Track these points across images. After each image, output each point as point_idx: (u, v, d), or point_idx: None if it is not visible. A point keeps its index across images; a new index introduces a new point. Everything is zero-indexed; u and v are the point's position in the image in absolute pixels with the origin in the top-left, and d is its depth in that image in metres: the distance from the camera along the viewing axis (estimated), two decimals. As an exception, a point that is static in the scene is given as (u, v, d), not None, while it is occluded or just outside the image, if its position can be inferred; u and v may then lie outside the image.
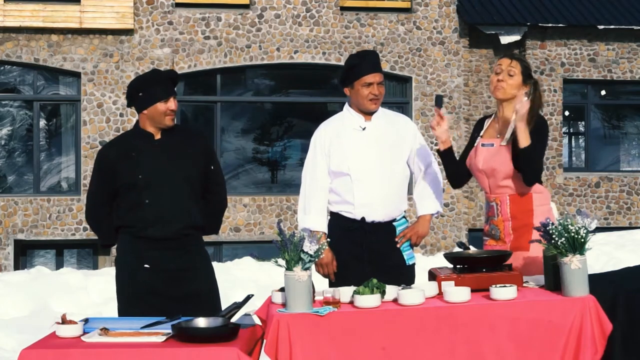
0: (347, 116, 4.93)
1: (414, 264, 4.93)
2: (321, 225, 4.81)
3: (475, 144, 4.82)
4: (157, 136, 4.67)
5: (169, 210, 4.59)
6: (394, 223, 4.88)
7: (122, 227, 4.68)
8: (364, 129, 4.87)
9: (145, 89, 4.61)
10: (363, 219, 4.82)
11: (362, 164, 4.82)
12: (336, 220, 4.90)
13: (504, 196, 4.64)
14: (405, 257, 4.87)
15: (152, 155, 4.62)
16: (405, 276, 4.72)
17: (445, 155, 4.83)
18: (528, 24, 17.74)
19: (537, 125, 4.63)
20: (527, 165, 4.56)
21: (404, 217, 4.95)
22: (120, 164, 4.62)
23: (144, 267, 4.58)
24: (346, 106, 4.97)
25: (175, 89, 4.74)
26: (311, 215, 4.85)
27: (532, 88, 4.74)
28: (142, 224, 4.59)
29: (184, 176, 4.63)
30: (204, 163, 4.72)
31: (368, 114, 4.89)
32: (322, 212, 4.88)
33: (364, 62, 4.83)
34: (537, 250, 4.43)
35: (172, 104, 4.62)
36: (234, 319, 4.02)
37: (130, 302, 4.60)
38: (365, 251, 4.79)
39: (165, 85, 4.64)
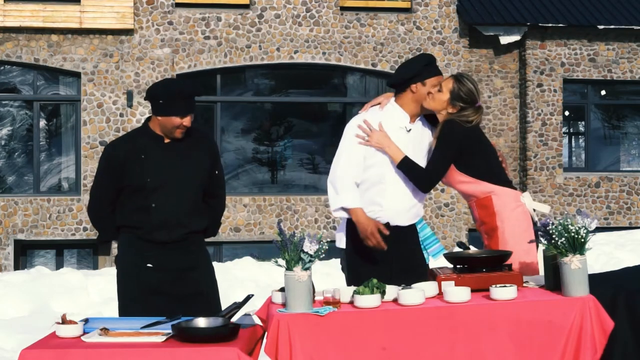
0: (394, 113, 4.73)
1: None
2: (354, 200, 4.58)
3: None
4: (167, 139, 4.65)
5: (174, 215, 4.59)
6: (417, 225, 4.80)
7: (125, 227, 4.68)
8: (409, 130, 4.72)
9: (167, 99, 4.53)
10: (387, 223, 4.66)
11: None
12: None
13: (472, 202, 4.72)
14: (436, 250, 4.78)
15: (161, 158, 4.61)
16: (426, 274, 4.65)
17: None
18: (528, 24, 17.73)
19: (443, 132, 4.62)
20: (408, 175, 4.63)
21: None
22: (128, 165, 4.60)
23: (147, 266, 4.59)
24: (392, 102, 4.75)
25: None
26: (343, 193, 4.60)
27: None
28: (148, 228, 4.59)
29: (191, 181, 4.63)
30: (210, 167, 4.72)
31: (415, 115, 4.73)
32: (353, 188, 4.64)
33: (435, 63, 4.74)
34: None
35: (187, 121, 4.55)
36: (234, 319, 4.02)
37: (133, 302, 4.60)
38: (389, 251, 4.63)
39: (188, 103, 4.55)
